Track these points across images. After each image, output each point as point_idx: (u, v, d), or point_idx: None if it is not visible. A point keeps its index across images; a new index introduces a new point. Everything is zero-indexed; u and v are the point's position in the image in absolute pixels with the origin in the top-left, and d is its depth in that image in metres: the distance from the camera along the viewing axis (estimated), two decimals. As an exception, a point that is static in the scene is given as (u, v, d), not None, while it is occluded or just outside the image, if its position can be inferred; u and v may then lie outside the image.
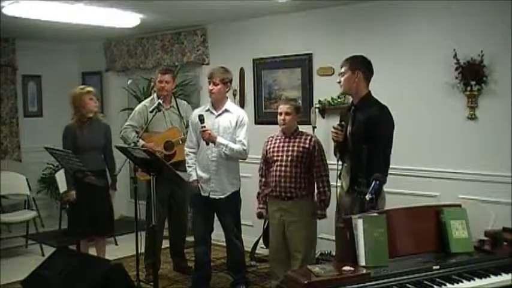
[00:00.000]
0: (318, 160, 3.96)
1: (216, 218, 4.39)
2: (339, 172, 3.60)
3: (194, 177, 4.26)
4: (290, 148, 3.97)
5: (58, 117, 6.66)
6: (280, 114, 3.99)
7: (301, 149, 3.94)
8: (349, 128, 3.50)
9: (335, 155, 3.65)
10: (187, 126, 4.70)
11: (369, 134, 3.31)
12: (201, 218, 4.34)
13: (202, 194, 4.23)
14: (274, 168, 3.99)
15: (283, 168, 3.94)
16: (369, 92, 3.51)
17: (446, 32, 4.28)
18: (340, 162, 3.58)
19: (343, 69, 3.52)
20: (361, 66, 3.48)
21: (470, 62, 4.12)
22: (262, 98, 5.63)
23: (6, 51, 6.88)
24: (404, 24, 4.56)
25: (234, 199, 4.29)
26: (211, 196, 4.21)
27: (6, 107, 6.95)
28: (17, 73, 7.08)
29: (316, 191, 3.98)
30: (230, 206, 4.27)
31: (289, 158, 3.94)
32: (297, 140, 3.99)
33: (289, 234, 3.99)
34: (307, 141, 3.96)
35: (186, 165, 4.33)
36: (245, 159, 4.28)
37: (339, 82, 3.55)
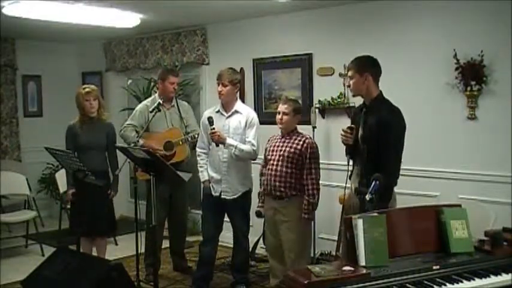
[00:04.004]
0: (308, 162, 3.92)
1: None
2: (350, 174, 3.54)
3: (205, 177, 4.29)
4: (283, 148, 3.98)
5: (58, 117, 6.68)
6: (278, 113, 4.01)
7: (292, 149, 3.93)
8: (360, 131, 3.42)
9: (346, 156, 3.59)
10: (186, 127, 4.71)
11: (379, 136, 3.26)
12: (211, 218, 4.35)
13: (214, 194, 4.25)
14: (268, 167, 4.03)
15: (274, 167, 3.96)
16: (380, 92, 3.43)
17: (446, 32, 4.28)
18: (351, 163, 3.52)
19: (350, 73, 3.45)
20: (368, 68, 3.39)
21: (470, 62, 4.11)
22: (262, 98, 5.63)
23: (6, 51, 6.88)
24: (404, 24, 4.56)
25: (245, 199, 4.30)
26: (222, 196, 4.23)
27: (6, 107, 6.95)
28: (17, 73, 7.09)
29: (305, 193, 3.92)
30: (241, 206, 4.29)
31: (281, 158, 3.95)
32: (291, 140, 3.98)
33: (281, 233, 4.00)
34: (300, 142, 3.94)
35: (198, 165, 4.36)
36: (255, 159, 4.29)
37: (349, 86, 3.51)
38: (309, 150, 3.92)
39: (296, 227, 3.94)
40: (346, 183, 3.49)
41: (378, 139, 3.25)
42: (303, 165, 3.93)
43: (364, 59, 3.46)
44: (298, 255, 3.92)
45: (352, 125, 3.45)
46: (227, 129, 4.19)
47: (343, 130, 3.45)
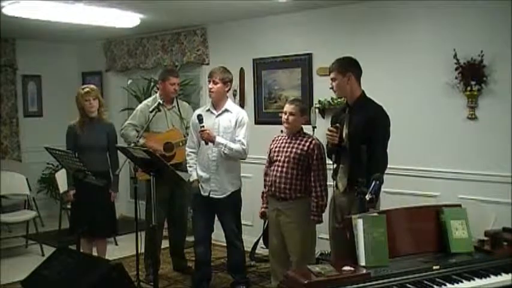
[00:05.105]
0: (316, 164, 3.87)
1: (216, 218, 4.38)
2: (333, 173, 3.59)
3: (194, 177, 4.26)
4: (289, 149, 3.94)
5: (58, 117, 6.69)
6: (285, 113, 3.96)
7: (299, 150, 3.89)
8: (345, 130, 3.47)
9: (329, 157, 3.64)
10: (187, 128, 4.71)
11: (367, 134, 3.30)
12: (202, 217, 4.34)
13: (203, 193, 4.23)
14: (273, 168, 3.98)
15: (279, 169, 3.92)
16: (363, 91, 3.52)
17: (446, 32, 4.28)
18: (335, 163, 3.57)
19: (332, 75, 3.50)
20: (350, 68, 3.46)
21: (470, 62, 4.12)
22: (262, 98, 5.63)
23: (6, 51, 6.89)
24: (404, 24, 4.56)
25: (235, 199, 4.28)
26: (211, 196, 4.21)
27: (6, 107, 6.96)
28: (17, 73, 7.09)
29: (313, 195, 3.87)
30: (230, 205, 4.27)
31: (287, 159, 3.91)
32: (298, 141, 3.95)
33: (285, 235, 3.97)
34: (307, 144, 3.90)
35: (187, 165, 4.34)
36: (244, 158, 4.27)
37: (332, 88, 3.55)
38: (315, 152, 3.86)
39: (300, 229, 3.90)
40: (333, 183, 3.52)
41: (366, 137, 3.27)
42: (308, 166, 3.87)
43: (345, 60, 3.53)
44: (302, 256, 3.88)
45: (337, 124, 3.50)
46: (217, 128, 4.17)
47: (328, 129, 3.51)
